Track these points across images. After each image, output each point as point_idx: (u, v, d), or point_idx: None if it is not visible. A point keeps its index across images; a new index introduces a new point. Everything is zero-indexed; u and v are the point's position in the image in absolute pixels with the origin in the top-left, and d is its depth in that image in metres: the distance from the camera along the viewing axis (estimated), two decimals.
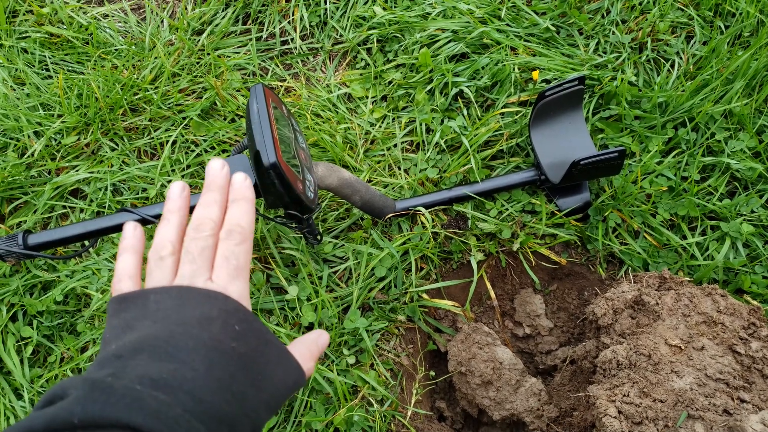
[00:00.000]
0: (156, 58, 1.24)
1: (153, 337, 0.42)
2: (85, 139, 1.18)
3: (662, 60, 1.13)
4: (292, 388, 0.47)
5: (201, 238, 0.49)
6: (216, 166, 0.53)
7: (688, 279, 0.96)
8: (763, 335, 0.84)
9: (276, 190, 0.77)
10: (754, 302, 0.92)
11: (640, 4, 1.19)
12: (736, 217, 0.99)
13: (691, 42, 1.15)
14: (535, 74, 1.08)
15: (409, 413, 0.93)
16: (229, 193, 0.52)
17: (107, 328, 0.46)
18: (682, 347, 0.85)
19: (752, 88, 1.05)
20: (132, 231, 0.52)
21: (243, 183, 0.53)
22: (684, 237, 1.00)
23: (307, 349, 0.51)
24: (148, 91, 1.21)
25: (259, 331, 0.46)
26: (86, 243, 1.03)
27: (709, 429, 0.77)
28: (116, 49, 1.28)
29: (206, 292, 0.45)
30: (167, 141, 1.16)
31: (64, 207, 1.12)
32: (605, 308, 0.92)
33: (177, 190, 0.53)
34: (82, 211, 1.12)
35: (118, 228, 0.91)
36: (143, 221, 0.90)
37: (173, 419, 0.37)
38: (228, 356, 0.42)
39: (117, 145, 1.18)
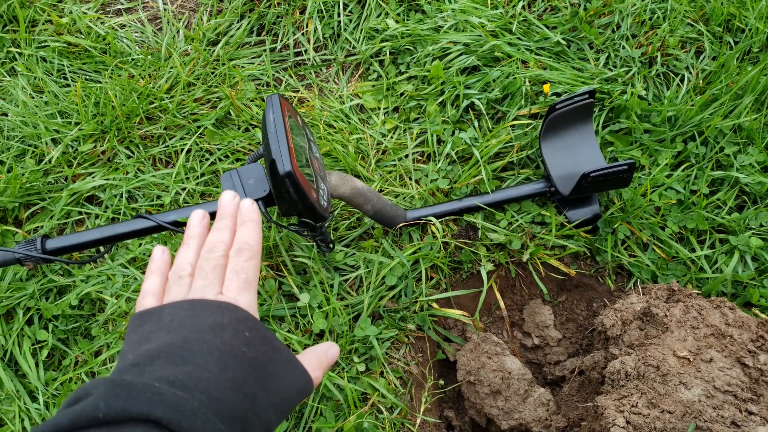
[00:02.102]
0: (172, 67, 1.27)
1: (168, 345, 0.45)
2: (101, 146, 1.20)
3: (672, 75, 1.15)
4: (301, 394, 0.50)
5: (213, 258, 0.53)
6: (228, 197, 0.59)
7: (696, 291, 0.96)
8: None
9: (290, 198, 0.78)
10: (763, 315, 0.93)
11: (650, 19, 1.20)
12: (744, 230, 1.00)
13: (701, 57, 1.16)
14: (546, 87, 1.09)
15: (418, 421, 0.94)
16: (238, 217, 0.58)
17: (126, 342, 0.49)
18: (691, 359, 0.85)
19: (761, 103, 1.06)
20: (160, 254, 0.57)
21: (250, 207, 0.58)
22: (693, 250, 1.01)
23: (316, 358, 0.54)
24: (163, 100, 1.23)
25: (267, 338, 0.48)
26: (102, 249, 1.05)
27: None
28: (133, 59, 1.31)
29: (217, 303, 0.49)
30: (182, 149, 1.18)
31: (80, 213, 1.14)
32: (614, 319, 0.92)
33: (197, 219, 0.59)
34: (97, 217, 1.14)
35: (135, 234, 0.93)
36: (159, 228, 0.92)
37: (191, 411, 0.39)
38: (239, 360, 0.45)
39: (132, 152, 1.20)
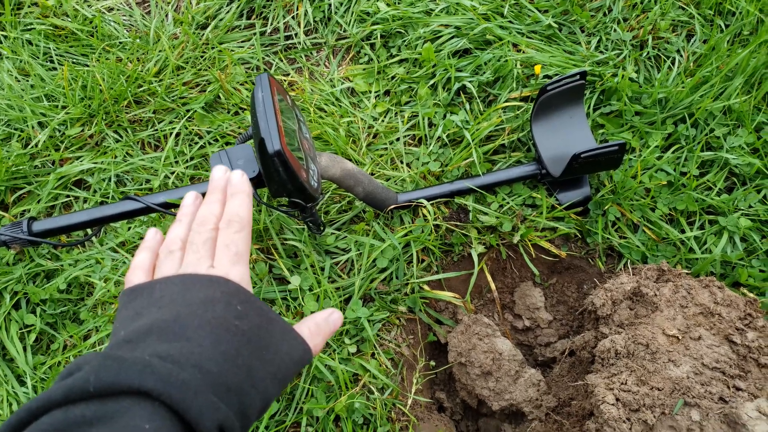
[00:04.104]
0: (160, 51, 1.25)
1: (160, 320, 0.44)
2: (89, 130, 1.19)
3: (663, 57, 1.15)
4: (299, 363, 0.49)
5: (204, 231, 0.52)
6: (219, 172, 0.58)
7: (686, 272, 0.97)
8: (759, 326, 0.86)
9: (280, 177, 0.78)
10: (751, 294, 0.94)
11: (642, 2, 1.20)
12: (733, 211, 1.00)
13: (692, 40, 1.16)
14: (537, 68, 1.09)
15: (409, 401, 0.94)
16: (228, 190, 0.57)
17: (117, 319, 0.48)
18: (680, 337, 0.86)
19: (751, 85, 1.07)
20: (153, 234, 0.57)
21: (240, 179, 0.57)
22: (682, 231, 1.01)
23: (315, 325, 0.53)
24: (152, 83, 1.22)
25: (261, 310, 0.48)
26: (90, 231, 1.04)
27: (705, 416, 0.78)
28: (121, 42, 1.29)
29: (208, 277, 0.48)
30: (171, 133, 1.17)
31: (68, 197, 1.13)
32: (604, 299, 0.93)
33: (191, 199, 0.59)
34: (85, 201, 1.12)
35: (123, 216, 0.92)
36: (147, 209, 0.91)
37: (182, 382, 0.39)
38: (232, 333, 0.45)
39: (121, 136, 1.19)
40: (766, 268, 0.97)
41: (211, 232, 0.53)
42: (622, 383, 0.83)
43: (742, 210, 1.00)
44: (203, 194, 0.59)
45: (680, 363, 0.83)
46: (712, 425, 0.78)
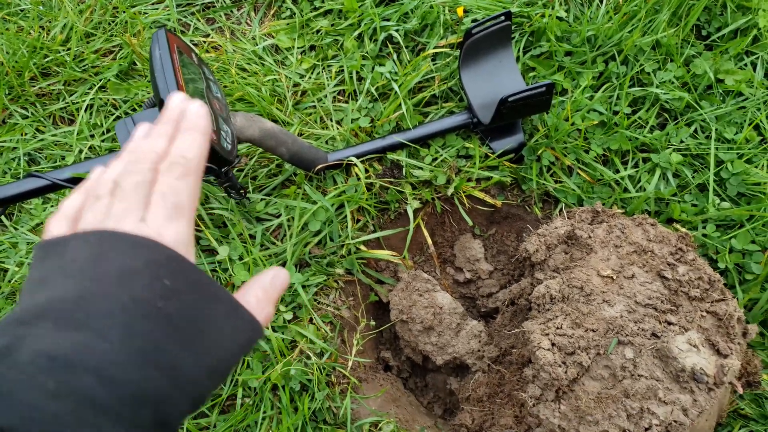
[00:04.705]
0: (65, 17, 1.16)
1: (60, 300, 0.35)
2: None
3: None
4: (246, 346, 0.40)
5: (138, 171, 0.40)
6: (176, 99, 0.45)
7: (620, 211, 0.96)
8: (689, 259, 0.86)
9: None
10: (683, 229, 0.94)
11: None
12: (666, 147, 0.99)
13: None
14: (460, 10, 1.05)
15: (350, 364, 0.92)
16: (180, 124, 0.44)
17: (26, 281, 0.39)
18: (614, 277, 0.86)
19: (679, 17, 1.05)
20: (97, 175, 0.44)
21: (197, 112, 0.44)
22: (617, 171, 1.00)
23: (262, 290, 0.44)
24: (59, 53, 1.13)
25: (197, 283, 0.38)
26: None
27: (639, 353, 0.78)
28: (21, 10, 1.19)
29: (132, 239, 0.37)
30: (84, 105, 1.09)
31: None
32: (537, 244, 0.91)
33: (142, 131, 0.45)
34: None
35: (27, 195, 0.86)
36: (54, 186, 0.85)
37: (52, 416, 0.30)
38: (154, 320, 0.35)
39: (29, 111, 1.11)
40: (698, 202, 0.97)
41: (147, 173, 0.41)
42: (557, 328, 0.83)
43: (674, 146, 0.99)
44: None
45: (614, 303, 0.83)
46: (645, 361, 0.79)
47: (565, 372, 0.79)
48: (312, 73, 1.12)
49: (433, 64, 1.07)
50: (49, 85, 1.11)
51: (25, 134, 1.08)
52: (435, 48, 1.07)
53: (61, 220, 0.41)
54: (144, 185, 0.40)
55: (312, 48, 1.15)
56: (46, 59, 1.12)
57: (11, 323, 0.35)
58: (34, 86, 1.11)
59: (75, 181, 0.84)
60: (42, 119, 1.09)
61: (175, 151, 0.41)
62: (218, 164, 0.79)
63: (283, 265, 0.97)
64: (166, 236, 0.38)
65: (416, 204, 1.01)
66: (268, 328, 0.89)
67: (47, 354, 0.32)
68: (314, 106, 1.08)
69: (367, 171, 1.00)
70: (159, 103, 0.71)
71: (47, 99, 1.12)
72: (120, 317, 0.34)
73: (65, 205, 0.42)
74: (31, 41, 1.12)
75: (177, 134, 0.43)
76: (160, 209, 0.39)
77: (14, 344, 0.33)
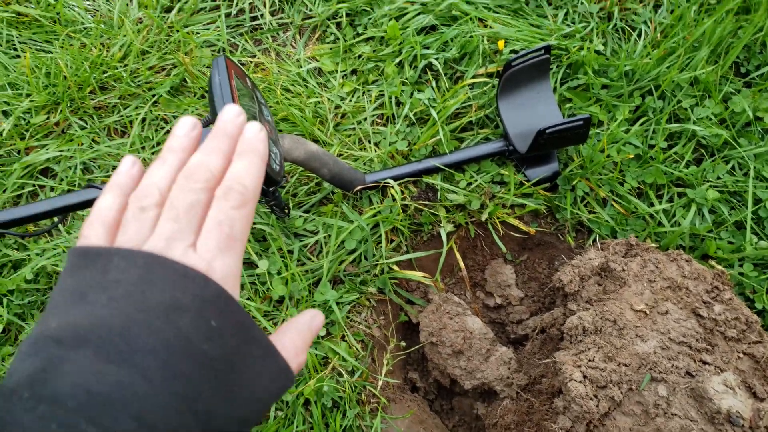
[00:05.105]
0: (125, 36, 1.23)
1: (105, 326, 0.33)
2: (54, 118, 1.17)
3: (629, 29, 1.13)
4: (277, 395, 0.39)
5: (192, 190, 0.38)
6: (232, 112, 0.42)
7: (654, 245, 0.96)
8: (725, 298, 0.85)
9: None
10: (719, 267, 0.93)
11: None
12: (702, 183, 1.00)
13: (659, 11, 1.15)
14: (501, 43, 1.07)
15: (380, 383, 0.94)
16: (238, 145, 0.41)
17: (58, 286, 0.37)
18: (647, 312, 0.86)
19: (718, 55, 1.06)
20: (129, 167, 0.42)
21: (257, 135, 0.41)
22: (651, 204, 1.01)
23: (299, 337, 0.43)
24: (117, 69, 1.19)
25: (241, 326, 0.37)
26: (55, 220, 1.03)
27: (672, 391, 0.78)
28: (84, 28, 1.26)
29: (182, 270, 0.35)
30: (137, 118, 1.15)
31: (34, 186, 1.12)
32: (571, 275, 0.92)
33: (186, 128, 0.42)
34: (52, 189, 1.11)
35: (86, 204, 0.91)
36: None
37: None
38: (196, 363, 0.34)
39: (87, 123, 1.17)
40: (735, 240, 0.97)
41: (201, 193, 0.38)
42: (589, 360, 0.83)
43: (711, 182, 1.00)
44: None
45: (647, 338, 0.83)
46: (679, 400, 0.79)
47: (597, 405, 0.79)
48: (353, 96, 1.16)
49: (471, 92, 1.10)
50: (106, 98, 1.18)
51: (82, 144, 1.14)
52: (473, 78, 1.10)
53: (98, 226, 0.39)
54: (198, 207, 0.38)
55: (353, 72, 1.19)
56: (105, 74, 1.19)
57: (46, 340, 0.33)
58: (93, 99, 1.17)
59: None
60: (98, 131, 1.15)
61: (233, 175, 0.39)
62: (267, 184, 0.83)
63: (318, 281, 1.00)
64: (216, 269, 0.36)
65: (450, 227, 1.03)
66: None
67: (87, 389, 0.31)
68: (354, 128, 1.12)
69: (402, 193, 1.03)
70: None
71: (103, 112, 1.18)
72: (163, 355, 0.33)
73: (101, 206, 0.39)
74: (93, 57, 1.19)
75: (234, 155, 0.41)
76: (213, 239, 0.37)
77: (50, 369, 0.32)
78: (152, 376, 0.32)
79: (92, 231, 0.38)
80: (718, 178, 1.00)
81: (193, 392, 0.33)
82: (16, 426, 0.30)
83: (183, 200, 0.38)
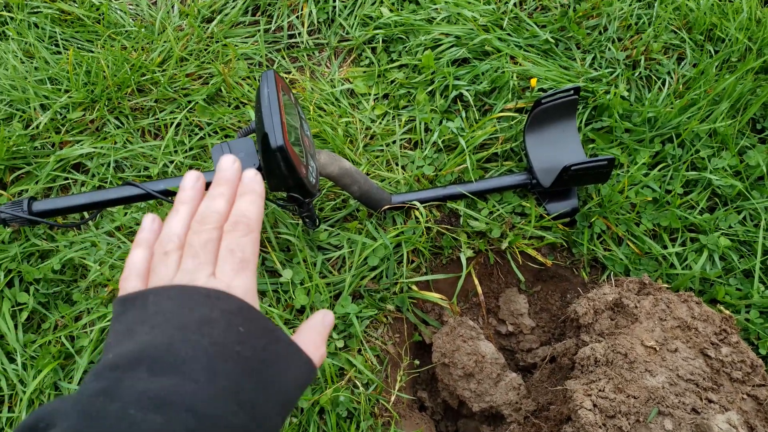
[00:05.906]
0: (165, 41, 1.27)
1: (152, 347, 0.39)
2: (90, 115, 1.20)
3: (654, 78, 1.19)
4: (304, 385, 0.45)
5: (205, 231, 0.46)
6: (228, 161, 0.51)
7: (666, 286, 1.00)
8: (733, 341, 0.89)
9: (281, 172, 0.80)
10: (727, 311, 0.97)
11: (636, 24, 1.24)
12: (714, 230, 1.04)
13: (682, 63, 1.21)
14: (533, 81, 1.12)
15: (392, 398, 0.96)
16: (239, 188, 0.50)
17: (110, 332, 0.44)
18: (657, 348, 0.89)
19: (736, 110, 1.11)
20: (150, 224, 0.50)
21: (253, 178, 0.50)
22: (665, 246, 1.05)
23: (316, 334, 0.49)
24: (155, 73, 1.23)
25: (265, 329, 0.43)
26: (86, 215, 1.06)
27: (678, 425, 0.81)
28: (126, 31, 1.30)
29: (206, 292, 0.42)
30: (172, 122, 1.19)
31: (66, 179, 1.14)
32: (586, 308, 0.96)
33: (191, 181, 0.51)
34: (83, 184, 1.14)
35: (123, 201, 0.93)
36: (147, 195, 0.93)
37: None
38: (233, 362, 0.40)
39: (122, 123, 1.20)
40: (743, 287, 1.01)
41: (213, 232, 0.46)
42: (599, 390, 0.86)
43: (723, 230, 1.04)
44: (208, 184, 0.53)
45: (656, 373, 0.87)
46: None
47: None
48: (383, 119, 1.20)
49: (498, 125, 1.14)
50: (143, 100, 1.21)
51: (116, 143, 1.17)
52: (501, 111, 1.15)
53: (133, 278, 0.47)
54: (212, 243, 0.46)
55: (385, 96, 1.23)
56: (143, 77, 1.23)
57: (105, 369, 0.39)
58: (131, 101, 1.21)
59: (168, 193, 0.91)
60: (132, 131, 1.19)
61: (238, 211, 0.48)
62: (303, 195, 0.86)
63: (339, 294, 1.02)
64: (235, 288, 0.43)
65: (469, 253, 1.06)
66: None
67: (148, 396, 0.36)
68: (382, 150, 1.16)
69: (426, 215, 1.06)
70: (262, 136, 0.79)
71: (139, 113, 1.22)
72: (204, 361, 0.39)
73: (132, 262, 0.48)
74: (133, 60, 1.23)
75: (236, 197, 0.49)
76: (228, 263, 0.45)
77: (113, 386, 0.37)
78: (198, 377, 0.38)
79: (129, 283, 0.47)
80: (730, 226, 1.04)
81: (235, 386, 0.39)
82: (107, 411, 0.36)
83: (199, 240, 0.46)
